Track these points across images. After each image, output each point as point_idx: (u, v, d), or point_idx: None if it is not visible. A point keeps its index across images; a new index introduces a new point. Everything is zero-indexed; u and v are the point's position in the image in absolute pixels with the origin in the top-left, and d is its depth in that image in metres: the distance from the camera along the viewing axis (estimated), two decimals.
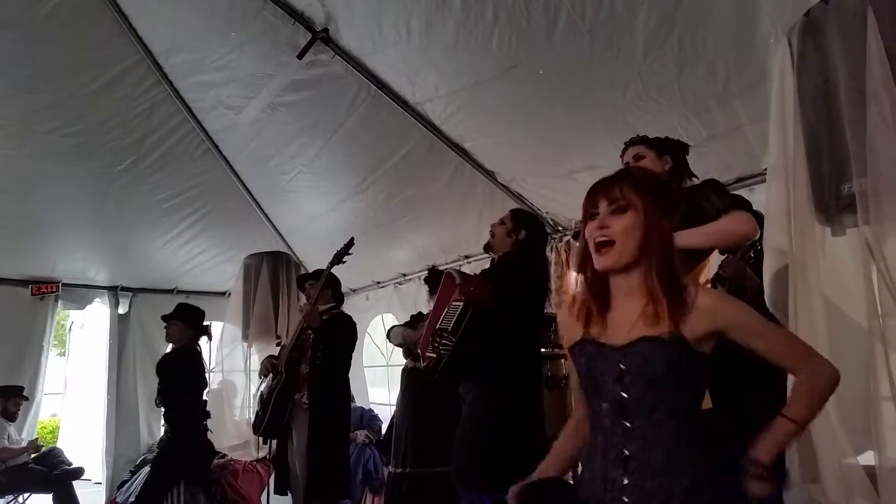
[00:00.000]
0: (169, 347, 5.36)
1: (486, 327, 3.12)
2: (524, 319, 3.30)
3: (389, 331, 4.86)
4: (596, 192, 1.63)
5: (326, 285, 4.41)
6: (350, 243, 4.35)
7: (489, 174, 5.45)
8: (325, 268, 4.43)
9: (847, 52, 1.89)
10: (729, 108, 3.77)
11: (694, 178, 2.79)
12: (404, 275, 7.28)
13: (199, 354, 5.11)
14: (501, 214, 5.66)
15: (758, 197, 3.52)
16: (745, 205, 2.68)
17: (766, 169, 2.58)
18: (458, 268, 5.64)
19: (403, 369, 4.74)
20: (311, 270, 5.39)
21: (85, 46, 5.18)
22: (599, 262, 1.59)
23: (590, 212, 1.63)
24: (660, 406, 1.50)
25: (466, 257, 6.41)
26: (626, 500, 1.48)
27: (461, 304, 3.12)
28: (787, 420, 1.50)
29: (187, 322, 5.05)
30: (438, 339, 3.17)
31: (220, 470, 6.52)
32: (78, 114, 5.61)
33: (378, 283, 7.82)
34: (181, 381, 4.96)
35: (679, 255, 1.60)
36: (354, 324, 4.47)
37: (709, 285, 2.67)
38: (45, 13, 4.77)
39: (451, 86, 4.65)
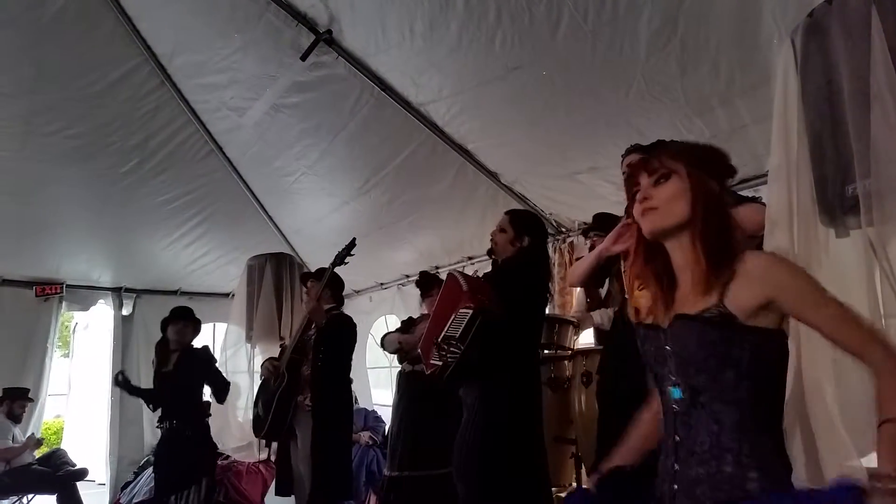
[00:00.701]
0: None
1: (494, 336, 3.09)
2: (527, 324, 3.30)
3: (383, 339, 4.85)
4: (635, 168, 1.56)
5: (328, 285, 4.40)
6: (352, 244, 4.34)
7: (492, 175, 5.45)
8: (327, 267, 4.43)
9: (851, 53, 1.88)
10: (732, 108, 3.76)
11: None
12: (407, 276, 7.28)
13: (210, 352, 5.26)
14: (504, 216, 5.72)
15: (761, 198, 3.52)
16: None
17: (769, 170, 2.57)
18: (461, 269, 5.63)
19: (399, 373, 4.74)
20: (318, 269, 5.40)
21: (88, 48, 5.19)
22: (644, 225, 1.51)
23: (633, 191, 1.56)
24: (703, 388, 1.42)
25: (469, 258, 6.41)
26: (676, 487, 1.44)
27: (470, 311, 3.08)
28: (891, 424, 1.27)
29: (193, 324, 5.12)
30: (446, 347, 3.13)
31: (223, 471, 6.53)
32: (81, 115, 5.62)
33: (381, 284, 7.83)
34: (202, 379, 5.08)
35: (735, 221, 1.49)
36: (354, 325, 4.47)
37: None
38: (49, 15, 4.78)
39: (454, 87, 4.65)
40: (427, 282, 4.77)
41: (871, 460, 1.84)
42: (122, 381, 5.22)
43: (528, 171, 5.30)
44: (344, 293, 4.78)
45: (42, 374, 7.18)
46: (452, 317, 3.17)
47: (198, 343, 5.27)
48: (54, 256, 7.16)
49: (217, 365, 5.27)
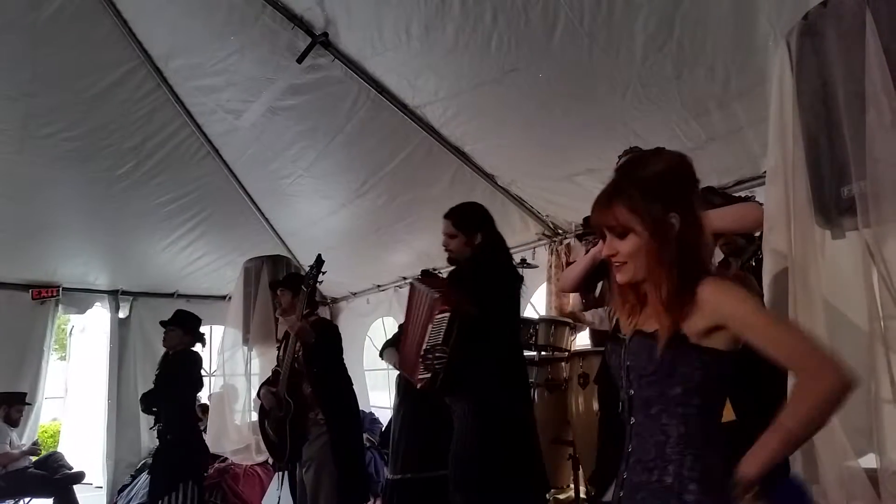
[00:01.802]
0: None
1: (475, 334, 3.08)
2: (504, 317, 3.28)
3: (382, 350, 4.83)
4: (595, 220, 1.60)
5: (304, 299, 4.34)
6: (319, 261, 4.22)
7: (489, 177, 5.46)
8: (299, 274, 4.38)
9: (846, 55, 1.89)
10: (728, 110, 3.77)
11: None
12: (404, 278, 7.28)
13: (199, 358, 5.18)
14: (502, 217, 5.69)
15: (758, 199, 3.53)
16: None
17: (765, 171, 2.58)
18: (438, 274, 5.62)
19: (399, 375, 4.73)
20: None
21: (85, 50, 5.18)
22: (619, 277, 1.57)
23: (600, 233, 1.61)
24: (653, 401, 1.49)
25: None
26: (622, 494, 1.51)
27: (447, 314, 3.07)
28: (779, 427, 1.35)
29: (185, 329, 5.09)
30: (431, 356, 3.09)
31: (221, 474, 6.52)
32: (78, 118, 5.61)
33: (378, 286, 7.83)
34: (182, 382, 5.01)
35: (699, 243, 1.51)
36: (335, 327, 4.43)
37: None
38: (46, 17, 4.77)
39: (450, 89, 4.65)
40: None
41: (868, 460, 1.85)
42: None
43: (524, 172, 5.31)
44: (342, 296, 4.76)
45: (38, 377, 7.17)
46: (430, 326, 3.13)
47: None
48: (51, 259, 7.15)
49: (198, 371, 5.17)
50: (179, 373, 5.00)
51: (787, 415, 1.35)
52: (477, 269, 3.31)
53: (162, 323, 5.17)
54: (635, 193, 1.52)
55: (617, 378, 1.61)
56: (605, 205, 1.55)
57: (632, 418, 1.53)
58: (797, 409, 1.35)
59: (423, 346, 3.15)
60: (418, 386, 3.24)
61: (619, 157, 2.95)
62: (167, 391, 4.99)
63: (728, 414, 2.28)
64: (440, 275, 5.14)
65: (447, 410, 4.23)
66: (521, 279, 3.53)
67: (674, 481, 1.42)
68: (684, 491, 1.41)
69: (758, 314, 1.43)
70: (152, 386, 5.15)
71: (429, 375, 3.12)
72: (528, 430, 3.26)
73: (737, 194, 3.83)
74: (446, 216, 3.49)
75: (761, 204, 2.55)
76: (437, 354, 3.07)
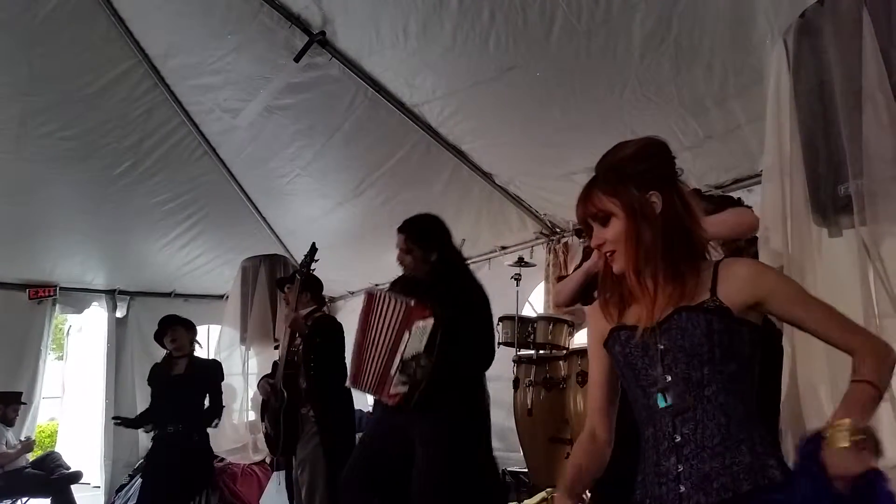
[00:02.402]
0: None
1: (459, 343, 2.97)
2: (481, 332, 3.18)
3: None
4: (579, 213, 1.59)
5: (305, 288, 4.35)
6: (313, 249, 4.24)
7: (487, 176, 5.46)
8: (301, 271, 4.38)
9: (842, 54, 1.89)
10: (726, 108, 3.78)
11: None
12: None
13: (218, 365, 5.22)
14: (500, 216, 5.73)
15: (755, 198, 3.52)
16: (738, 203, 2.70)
17: (762, 170, 2.59)
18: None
19: None
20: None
21: (82, 49, 5.17)
22: (615, 268, 1.53)
23: (587, 228, 1.59)
24: (707, 381, 1.40)
25: (465, 259, 6.40)
26: (683, 489, 1.40)
27: (431, 321, 2.94)
28: (864, 383, 1.30)
29: (186, 325, 5.05)
30: (413, 366, 2.94)
31: (219, 473, 6.51)
32: (75, 116, 5.60)
33: (376, 285, 7.80)
34: (218, 387, 5.02)
35: (688, 221, 1.49)
36: (339, 325, 4.40)
37: None
38: (43, 15, 4.76)
39: (448, 87, 4.65)
40: None
41: None
42: (121, 422, 5.18)
43: (522, 171, 5.31)
44: (339, 295, 4.75)
45: (36, 377, 7.16)
46: (406, 334, 3.00)
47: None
48: (48, 259, 7.14)
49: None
50: (211, 382, 4.98)
51: (864, 372, 1.32)
52: (450, 280, 3.20)
53: (164, 330, 5.05)
54: (611, 177, 1.53)
55: (638, 367, 1.50)
56: (584, 196, 1.55)
57: (669, 406, 1.43)
58: (869, 367, 1.32)
59: (399, 357, 3.00)
60: (390, 402, 3.07)
61: None
62: (201, 395, 4.95)
63: None
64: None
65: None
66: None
67: (752, 460, 1.36)
68: (767, 467, 1.36)
69: (805, 293, 1.46)
70: (163, 387, 5.05)
71: (405, 390, 2.97)
72: (488, 445, 3.22)
73: (734, 193, 3.84)
74: (400, 230, 3.38)
75: (750, 207, 2.56)
76: (420, 364, 2.92)
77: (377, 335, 3.20)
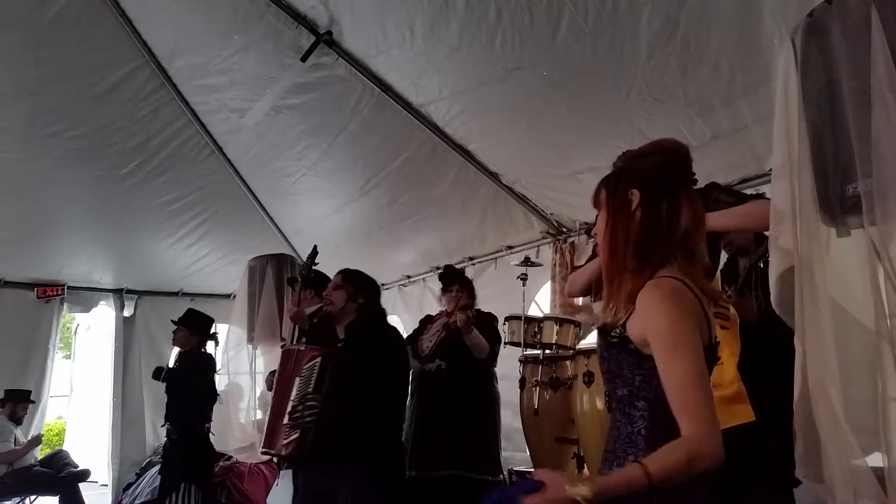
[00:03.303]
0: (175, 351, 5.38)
1: (352, 378, 2.88)
2: (391, 370, 3.17)
3: None
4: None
5: (311, 286, 4.34)
6: (314, 252, 4.22)
7: (493, 176, 5.45)
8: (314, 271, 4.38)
9: (851, 53, 1.88)
10: (733, 108, 3.76)
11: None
12: (408, 276, 7.28)
13: (208, 359, 5.19)
14: (506, 216, 5.73)
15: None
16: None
17: (770, 170, 2.58)
18: (461, 270, 5.63)
19: (412, 371, 4.71)
20: (313, 273, 5.36)
21: (89, 49, 5.20)
22: (601, 259, 1.61)
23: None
24: (613, 397, 1.53)
25: (470, 259, 6.42)
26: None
27: (317, 360, 2.87)
28: (641, 466, 1.31)
29: (193, 329, 5.08)
30: (300, 409, 2.82)
31: (226, 472, 6.53)
32: (82, 116, 5.63)
33: (382, 285, 7.77)
34: (190, 384, 4.99)
35: (660, 226, 1.49)
36: None
37: None
38: (51, 16, 4.78)
39: (454, 87, 4.65)
40: (450, 276, 4.71)
41: (875, 459, 1.85)
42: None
43: (528, 171, 5.31)
44: None
45: (44, 375, 7.20)
46: (297, 380, 2.91)
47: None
48: (56, 258, 7.18)
49: (211, 376, 5.17)
50: (187, 375, 5.00)
51: (654, 460, 1.32)
52: (365, 329, 3.22)
53: (173, 321, 5.16)
54: (615, 172, 1.60)
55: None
56: (596, 187, 1.62)
57: (612, 407, 1.59)
58: (667, 459, 1.31)
59: (290, 405, 2.89)
60: (283, 454, 2.94)
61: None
62: (172, 391, 4.99)
63: (746, 416, 2.28)
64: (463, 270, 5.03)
65: (458, 410, 4.24)
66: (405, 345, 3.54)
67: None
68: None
69: (676, 349, 1.38)
70: (164, 384, 5.12)
71: (296, 436, 2.83)
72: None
73: (743, 192, 3.83)
74: (340, 272, 3.51)
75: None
76: (307, 405, 2.81)
77: (279, 393, 3.12)
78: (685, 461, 1.29)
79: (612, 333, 1.48)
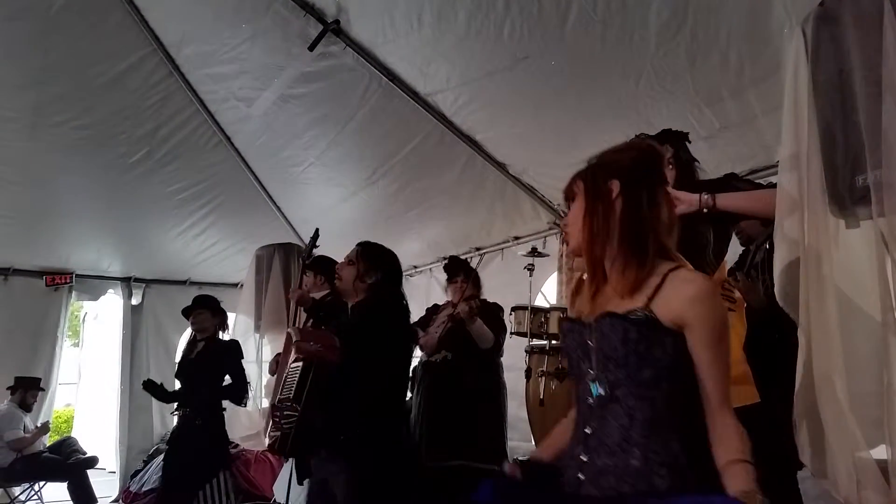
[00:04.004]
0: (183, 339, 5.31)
1: (336, 387, 2.72)
2: (381, 369, 2.90)
3: None
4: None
5: (320, 272, 4.32)
6: (315, 235, 4.06)
7: (500, 166, 5.44)
8: (324, 257, 4.36)
9: (862, 43, 1.87)
10: (742, 98, 3.74)
11: (696, 163, 2.76)
12: (415, 267, 7.29)
13: (238, 345, 5.14)
14: (513, 206, 5.73)
15: None
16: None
17: (779, 161, 2.56)
18: (467, 260, 5.63)
19: (418, 362, 4.73)
20: (315, 257, 5.37)
21: (96, 38, 5.20)
22: (569, 246, 1.64)
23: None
24: (620, 384, 1.46)
25: (477, 249, 6.41)
26: (582, 476, 1.49)
27: (300, 364, 2.73)
28: (743, 463, 1.38)
29: (212, 311, 5.04)
30: (279, 414, 2.72)
31: (233, 459, 6.57)
32: (90, 105, 5.64)
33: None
34: (222, 370, 4.94)
35: (647, 216, 1.52)
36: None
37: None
38: (58, 5, 4.78)
39: (462, 77, 4.64)
40: (455, 267, 4.71)
41: (880, 452, 1.84)
42: (149, 386, 5.10)
43: (536, 161, 5.29)
44: None
45: (52, 363, 7.25)
46: (284, 375, 2.80)
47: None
48: (64, 246, 7.21)
49: (241, 361, 5.08)
50: (218, 360, 4.91)
51: (745, 454, 1.39)
52: (362, 315, 2.97)
53: (185, 311, 5.08)
54: (590, 165, 1.62)
55: (574, 359, 1.58)
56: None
57: (590, 400, 1.51)
58: (747, 450, 1.40)
59: (275, 399, 2.83)
60: (267, 444, 2.90)
61: None
62: (208, 378, 4.88)
63: (751, 397, 2.29)
64: (468, 260, 4.95)
65: (465, 400, 4.24)
66: (413, 333, 3.28)
67: (641, 466, 1.40)
68: (654, 474, 1.39)
69: (720, 344, 1.44)
70: (169, 370, 5.09)
71: (277, 435, 2.76)
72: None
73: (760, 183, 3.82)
74: (359, 244, 3.22)
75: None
76: (286, 412, 2.71)
77: (279, 375, 3.04)
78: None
79: (635, 316, 1.45)
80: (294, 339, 2.84)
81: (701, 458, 1.41)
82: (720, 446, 1.41)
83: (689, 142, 2.80)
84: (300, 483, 4.47)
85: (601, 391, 1.49)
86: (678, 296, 1.44)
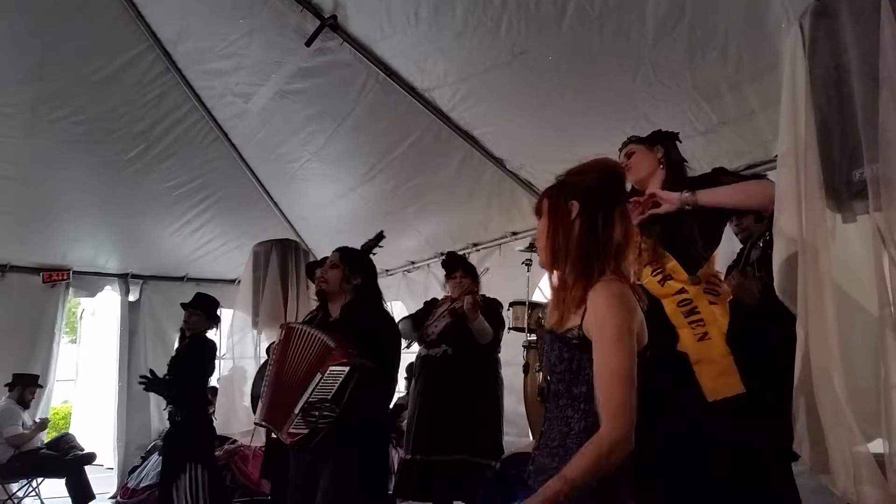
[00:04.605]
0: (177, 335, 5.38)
1: (370, 393, 2.91)
2: (391, 372, 3.21)
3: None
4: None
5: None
6: (380, 236, 4.11)
7: (498, 161, 5.44)
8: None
9: (859, 37, 1.86)
10: (740, 93, 3.74)
11: (685, 163, 2.77)
12: (413, 262, 7.29)
13: (214, 345, 5.22)
14: (511, 201, 5.72)
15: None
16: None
17: (776, 156, 2.56)
18: (464, 256, 5.63)
19: (417, 356, 4.73)
20: (319, 258, 5.38)
21: (93, 33, 5.19)
22: (539, 261, 1.76)
23: None
24: (561, 396, 1.62)
25: (475, 245, 6.41)
26: (531, 468, 1.69)
27: (345, 369, 2.82)
28: (560, 476, 1.48)
29: (207, 314, 5.10)
30: (317, 413, 2.82)
31: (230, 455, 6.58)
32: (87, 101, 5.63)
33: (387, 271, 7.83)
34: (197, 367, 5.02)
35: (598, 238, 1.63)
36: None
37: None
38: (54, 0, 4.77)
39: (459, 72, 4.63)
40: (453, 263, 4.72)
41: (877, 446, 1.85)
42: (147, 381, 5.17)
43: (533, 156, 5.29)
44: None
45: (50, 359, 7.24)
46: (318, 376, 2.88)
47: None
48: (61, 242, 7.20)
49: (215, 361, 5.19)
50: (195, 357, 5.01)
51: (572, 465, 1.50)
52: (367, 318, 3.16)
53: (184, 305, 5.15)
54: (558, 183, 1.74)
55: (546, 365, 1.73)
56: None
57: (547, 404, 1.68)
58: (581, 462, 1.49)
59: (305, 398, 2.89)
60: (286, 441, 2.97)
61: (620, 149, 2.92)
62: (181, 374, 4.97)
63: (736, 387, 2.30)
64: (466, 256, 4.96)
65: (463, 394, 4.25)
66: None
67: None
68: None
69: (610, 351, 1.53)
70: (165, 368, 5.13)
71: (305, 432, 2.87)
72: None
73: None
74: (337, 249, 3.43)
75: (770, 180, 2.54)
76: (324, 413, 2.82)
77: (291, 370, 3.09)
78: (595, 458, 1.47)
79: (570, 335, 1.59)
80: (330, 345, 2.92)
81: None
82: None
83: (680, 141, 2.81)
84: (265, 477, 4.48)
85: (550, 398, 1.67)
86: (590, 309, 1.57)
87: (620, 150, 2.90)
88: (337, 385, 2.82)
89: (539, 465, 1.65)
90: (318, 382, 2.87)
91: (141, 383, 4.92)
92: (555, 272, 1.71)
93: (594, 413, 1.54)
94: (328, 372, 2.85)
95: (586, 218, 1.64)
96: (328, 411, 2.81)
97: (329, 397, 2.82)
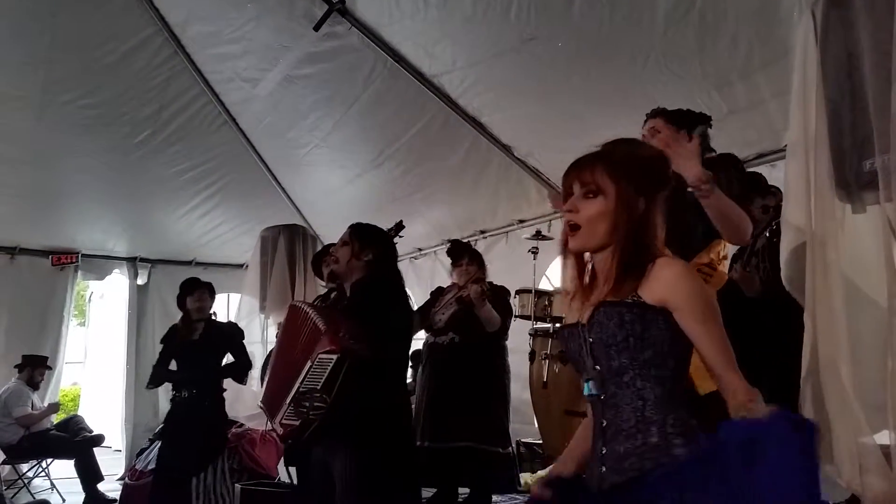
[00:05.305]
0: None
1: (365, 380, 2.71)
2: (396, 354, 2.98)
3: None
4: (569, 174, 1.63)
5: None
6: (399, 225, 3.83)
7: (506, 148, 5.42)
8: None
9: (872, 26, 1.85)
10: (751, 82, 3.71)
11: (712, 153, 2.73)
12: (420, 249, 7.28)
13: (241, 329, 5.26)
14: (518, 189, 5.71)
15: (778, 173, 3.48)
16: (759, 189, 2.66)
17: (786, 145, 2.54)
18: (471, 244, 5.62)
19: (424, 343, 4.74)
20: (326, 244, 5.38)
21: (102, 17, 5.19)
22: (570, 243, 1.61)
23: (566, 193, 1.63)
24: (626, 369, 1.51)
25: (482, 232, 6.40)
26: (604, 468, 1.52)
27: (334, 357, 2.67)
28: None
29: (210, 290, 5.09)
30: (307, 404, 2.68)
31: (238, 439, 6.60)
32: (96, 85, 5.64)
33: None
34: (229, 351, 5.05)
35: (655, 232, 1.59)
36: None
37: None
38: None
39: (468, 58, 4.61)
40: (458, 251, 4.71)
41: (883, 437, 1.85)
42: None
43: (541, 143, 5.27)
44: None
45: (59, 342, 7.29)
46: (308, 363, 2.73)
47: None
48: (70, 226, 7.23)
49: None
50: (228, 341, 5.02)
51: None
52: (369, 296, 2.94)
53: (189, 287, 5.05)
54: (621, 163, 1.59)
55: (577, 361, 1.63)
56: (587, 162, 1.60)
57: (602, 395, 1.55)
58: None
59: (296, 388, 2.75)
60: (280, 432, 2.85)
61: (645, 120, 2.86)
62: (214, 360, 4.96)
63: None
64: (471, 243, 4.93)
65: (469, 381, 4.25)
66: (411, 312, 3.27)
67: (660, 440, 1.45)
68: (671, 446, 1.44)
69: (710, 314, 1.50)
70: (180, 352, 5.07)
71: (297, 423, 2.74)
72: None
73: (758, 168, 3.79)
74: (351, 226, 3.20)
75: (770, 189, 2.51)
76: (315, 403, 2.68)
77: (287, 355, 2.98)
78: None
79: (632, 300, 1.51)
80: (321, 327, 2.77)
81: (707, 415, 1.48)
82: (730, 403, 1.45)
83: (711, 126, 2.77)
84: (287, 467, 4.47)
85: (609, 381, 1.53)
86: (659, 281, 1.50)
87: (649, 118, 2.83)
88: (326, 373, 2.67)
89: (619, 454, 1.50)
90: (308, 370, 2.74)
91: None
92: (600, 259, 1.61)
93: (668, 378, 1.50)
94: (318, 358, 2.71)
95: (649, 210, 1.58)
96: (319, 402, 2.66)
97: (318, 387, 2.67)
